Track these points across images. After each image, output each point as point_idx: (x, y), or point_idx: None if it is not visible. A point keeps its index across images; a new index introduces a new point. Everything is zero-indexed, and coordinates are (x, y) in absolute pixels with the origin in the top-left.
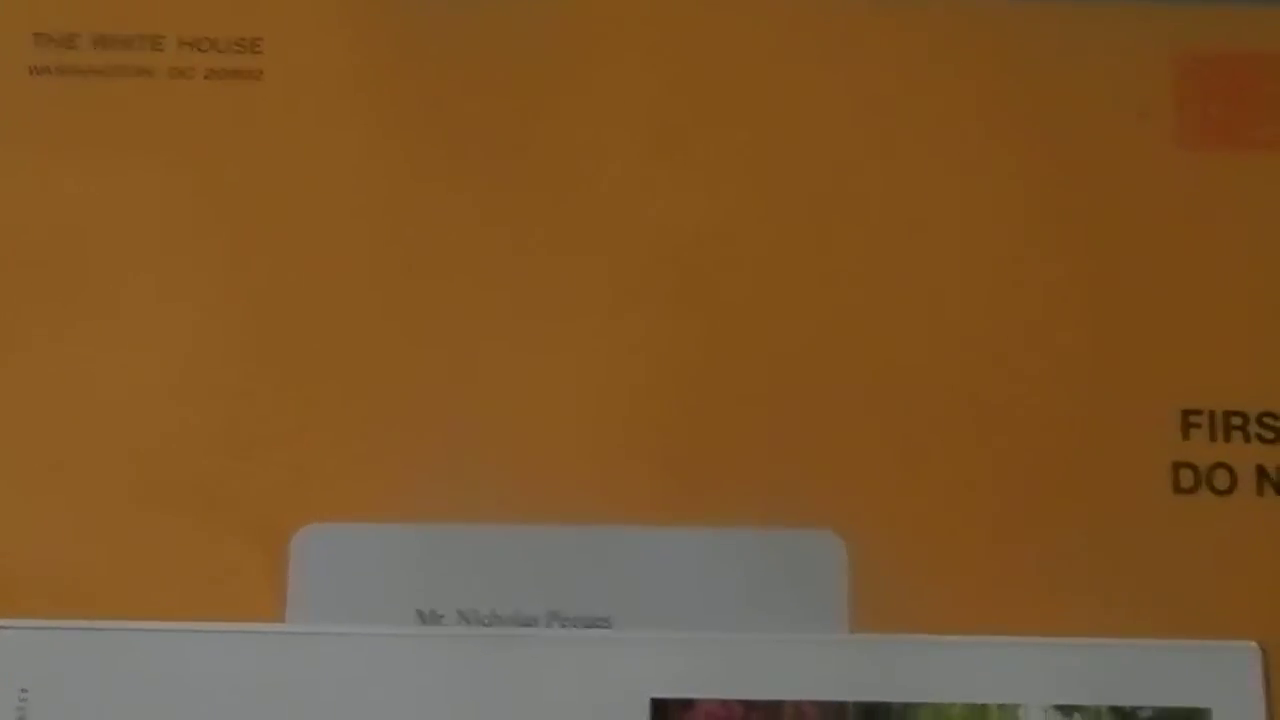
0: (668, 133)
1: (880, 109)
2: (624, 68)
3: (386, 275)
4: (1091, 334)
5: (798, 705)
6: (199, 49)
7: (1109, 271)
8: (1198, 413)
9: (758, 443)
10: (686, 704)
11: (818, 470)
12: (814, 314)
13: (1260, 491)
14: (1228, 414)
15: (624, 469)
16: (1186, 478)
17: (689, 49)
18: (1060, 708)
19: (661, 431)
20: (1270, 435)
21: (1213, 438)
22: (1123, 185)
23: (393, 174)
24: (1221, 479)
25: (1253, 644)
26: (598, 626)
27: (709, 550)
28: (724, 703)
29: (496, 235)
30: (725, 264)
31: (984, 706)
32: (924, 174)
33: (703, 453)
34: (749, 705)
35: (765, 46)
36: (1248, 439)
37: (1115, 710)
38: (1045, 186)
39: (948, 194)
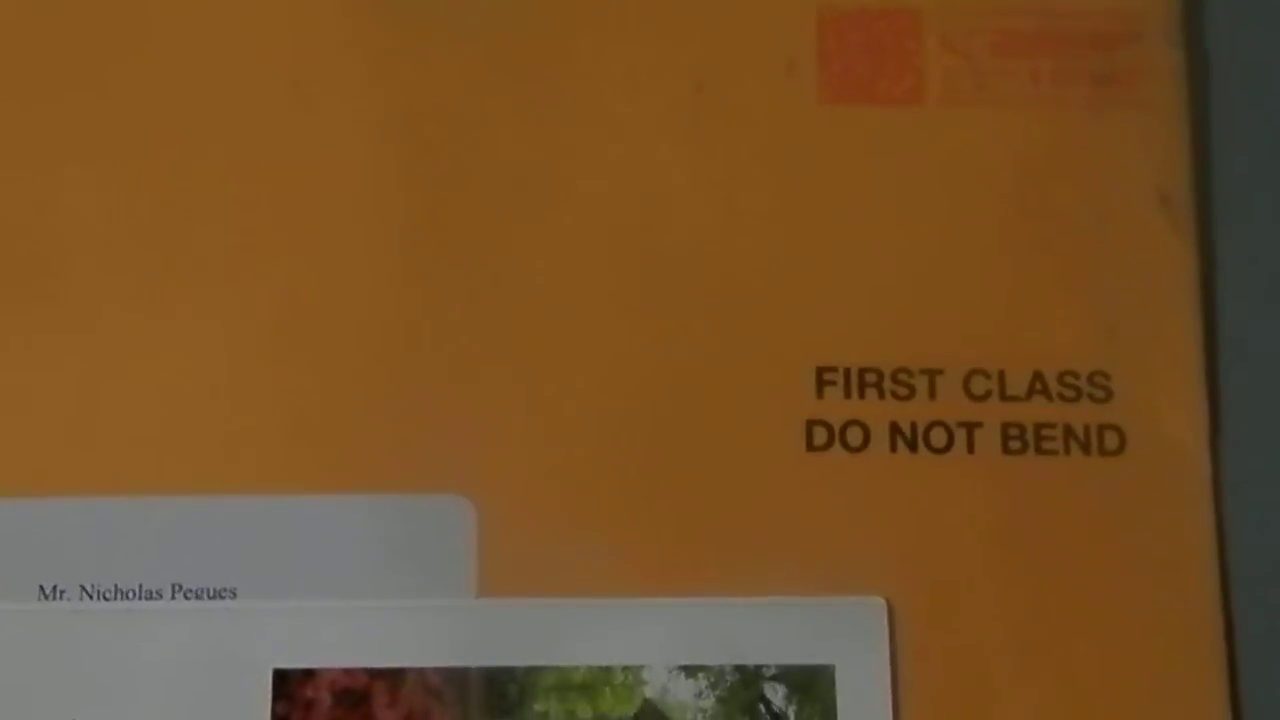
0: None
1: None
2: None
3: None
4: (726, 290)
5: (421, 672)
6: None
7: (746, 228)
8: (832, 369)
9: (386, 406)
10: (309, 674)
11: (448, 433)
12: (441, 273)
13: (894, 448)
14: (862, 371)
15: (247, 436)
16: (820, 435)
17: None
18: (685, 668)
19: (285, 397)
20: (904, 392)
21: (847, 394)
22: (764, 140)
23: None
24: (855, 436)
25: (879, 599)
26: (223, 598)
27: (337, 517)
28: (347, 671)
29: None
30: (353, 228)
31: (608, 669)
32: (545, 141)
33: (329, 417)
34: (373, 674)
35: None
36: (882, 395)
37: (739, 669)
38: (690, 140)
39: (591, 147)
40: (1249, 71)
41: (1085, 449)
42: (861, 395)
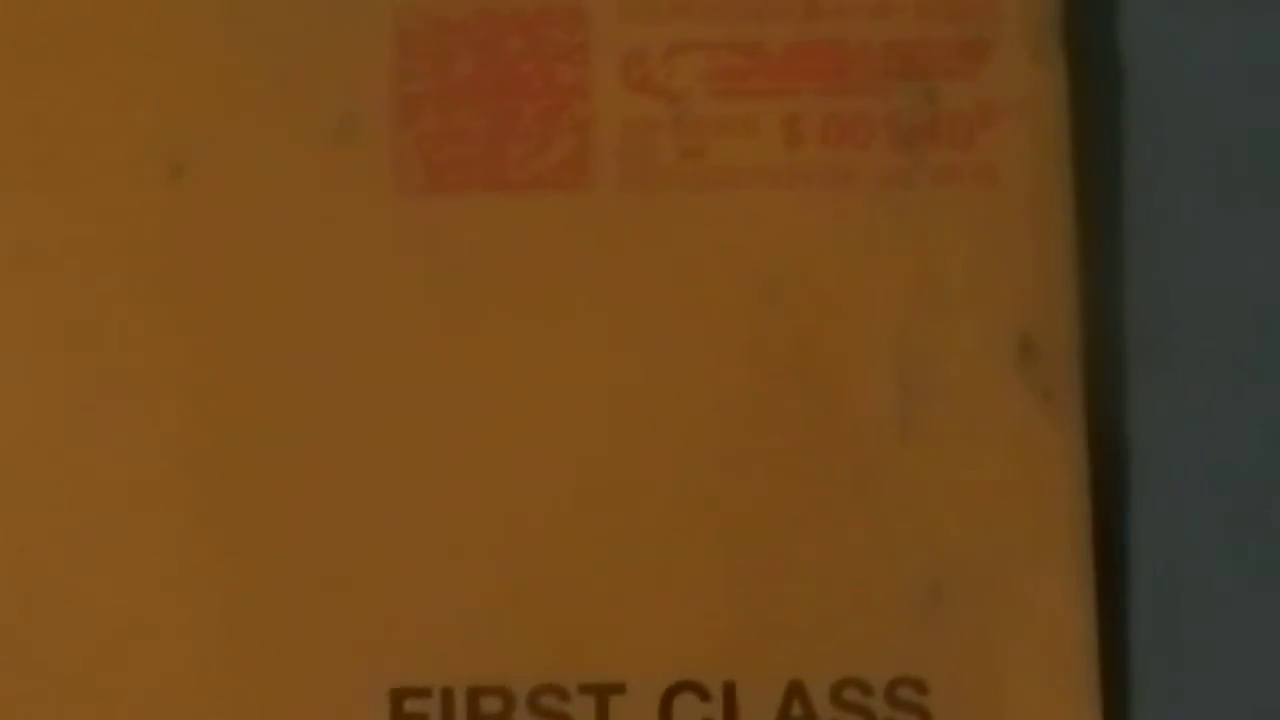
0: None
1: None
2: None
3: None
4: (239, 562)
5: None
6: None
7: (259, 424)
8: (419, 693)
9: None
10: None
11: None
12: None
13: None
14: (475, 692)
15: None
16: None
17: None
18: None
19: None
20: None
21: None
22: (297, 252)
23: None
24: None
25: None
26: None
27: None
28: None
29: None
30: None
31: None
32: None
33: None
34: None
35: None
36: None
37: None
38: (167, 273)
39: None
40: (1174, 106)
41: None
42: None
